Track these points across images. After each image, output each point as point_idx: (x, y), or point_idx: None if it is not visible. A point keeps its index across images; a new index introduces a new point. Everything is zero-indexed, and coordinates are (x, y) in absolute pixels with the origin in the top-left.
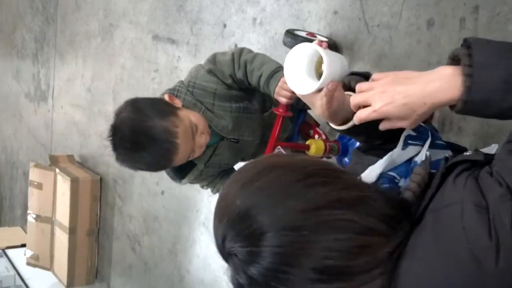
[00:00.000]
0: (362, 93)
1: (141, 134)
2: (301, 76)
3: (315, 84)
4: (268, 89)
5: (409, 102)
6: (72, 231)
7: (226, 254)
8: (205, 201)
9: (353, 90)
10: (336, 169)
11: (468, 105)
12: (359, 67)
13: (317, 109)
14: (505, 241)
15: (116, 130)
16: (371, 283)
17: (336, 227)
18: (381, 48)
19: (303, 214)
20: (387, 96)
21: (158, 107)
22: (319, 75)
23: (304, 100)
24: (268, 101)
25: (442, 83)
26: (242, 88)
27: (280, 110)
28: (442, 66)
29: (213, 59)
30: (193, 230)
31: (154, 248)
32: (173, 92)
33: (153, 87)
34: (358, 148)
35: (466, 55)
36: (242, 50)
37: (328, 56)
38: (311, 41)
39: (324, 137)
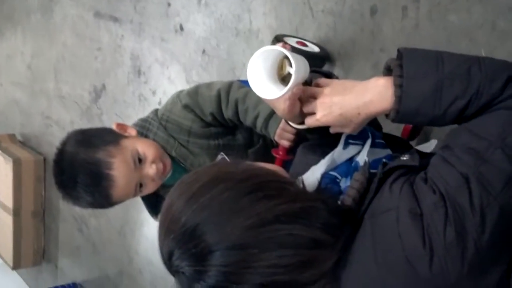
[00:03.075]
0: (308, 102)
1: (74, 168)
2: (263, 79)
3: (283, 89)
4: (267, 131)
5: (345, 112)
6: (17, 213)
7: (173, 271)
8: None
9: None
10: (281, 180)
11: (400, 114)
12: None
13: (279, 112)
14: (438, 248)
15: (55, 166)
16: None
17: (283, 242)
18: (326, 33)
19: (249, 231)
20: (325, 106)
21: (101, 138)
22: (280, 77)
23: (265, 101)
24: (256, 135)
25: (375, 94)
26: (224, 125)
27: (280, 153)
28: (376, 77)
29: (195, 91)
30: (141, 211)
31: (102, 230)
32: (144, 123)
33: (97, 67)
34: (304, 145)
35: (397, 65)
36: (230, 86)
37: (296, 60)
38: (301, 51)
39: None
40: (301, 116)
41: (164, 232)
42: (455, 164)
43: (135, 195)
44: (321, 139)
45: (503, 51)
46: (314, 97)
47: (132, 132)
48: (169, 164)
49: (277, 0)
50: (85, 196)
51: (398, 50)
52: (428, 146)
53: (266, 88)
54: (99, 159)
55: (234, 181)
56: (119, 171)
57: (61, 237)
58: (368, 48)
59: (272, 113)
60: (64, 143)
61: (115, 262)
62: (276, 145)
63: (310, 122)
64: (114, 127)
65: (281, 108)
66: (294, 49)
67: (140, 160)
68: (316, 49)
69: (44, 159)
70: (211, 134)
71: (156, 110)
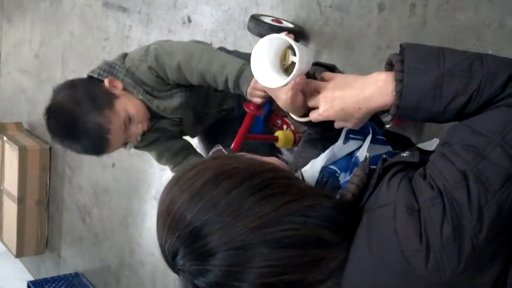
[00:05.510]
0: (312, 96)
1: (73, 126)
2: (266, 68)
3: (285, 78)
4: (240, 90)
5: (345, 107)
6: (21, 201)
7: (176, 269)
8: (156, 175)
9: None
10: (287, 176)
11: (400, 110)
12: (310, 48)
13: (281, 102)
14: (434, 244)
15: (51, 114)
16: None
17: (291, 243)
18: (333, 29)
19: (257, 231)
20: (327, 101)
21: (96, 99)
22: (283, 67)
23: (268, 92)
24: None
25: (376, 89)
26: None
27: (251, 108)
28: (377, 72)
29: (160, 56)
30: (144, 203)
31: (104, 220)
32: (111, 69)
33: (104, 57)
34: (306, 137)
35: (398, 61)
36: (191, 56)
37: (299, 50)
38: (276, 27)
39: (293, 127)
40: (304, 109)
41: (167, 230)
42: (454, 161)
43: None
44: (323, 133)
45: (511, 51)
46: (317, 91)
47: (119, 85)
48: (148, 119)
49: None
50: (79, 149)
51: (401, 46)
52: (430, 145)
53: (269, 77)
54: (99, 124)
55: (239, 178)
56: (115, 135)
57: (64, 227)
58: (374, 45)
59: (239, 74)
60: (57, 94)
61: (117, 253)
62: (244, 98)
63: (313, 116)
64: (106, 83)
65: (283, 98)
66: (270, 26)
67: (130, 120)
68: (290, 25)
69: (50, 148)
70: (173, 88)
71: (123, 57)
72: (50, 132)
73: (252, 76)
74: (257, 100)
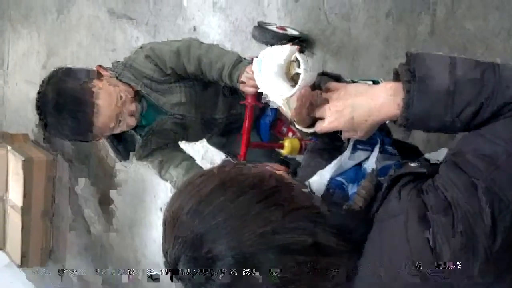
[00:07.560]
0: (320, 106)
1: (61, 96)
2: (273, 78)
3: (291, 89)
4: (232, 81)
5: (356, 116)
6: (26, 212)
7: (178, 276)
8: (162, 185)
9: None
10: (293, 185)
11: (409, 120)
12: (317, 57)
13: (286, 113)
14: (445, 254)
15: (41, 95)
16: None
17: (297, 250)
18: (340, 39)
19: (262, 239)
20: (334, 111)
21: (85, 73)
22: (288, 77)
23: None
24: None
25: (384, 99)
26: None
27: (249, 101)
28: (386, 82)
29: (157, 47)
30: (149, 214)
31: (110, 231)
32: (110, 69)
33: None
34: (313, 147)
35: (406, 70)
36: (191, 43)
37: (305, 61)
38: (281, 34)
39: (299, 135)
40: (310, 119)
41: (172, 236)
42: (467, 170)
43: (114, 129)
44: (330, 143)
45: None
46: (323, 102)
47: (107, 73)
48: (136, 102)
49: (292, 5)
50: (69, 122)
51: (407, 54)
52: (438, 155)
53: (274, 89)
54: (86, 88)
55: (245, 186)
56: (104, 100)
57: (70, 238)
58: (382, 54)
59: (235, 63)
60: (49, 77)
61: (122, 264)
62: (243, 97)
63: (319, 127)
64: (95, 68)
65: (289, 109)
66: (275, 34)
67: (121, 97)
68: (295, 33)
69: (56, 159)
70: (171, 81)
71: (118, 61)
72: (41, 116)
73: (246, 66)
74: (250, 90)
